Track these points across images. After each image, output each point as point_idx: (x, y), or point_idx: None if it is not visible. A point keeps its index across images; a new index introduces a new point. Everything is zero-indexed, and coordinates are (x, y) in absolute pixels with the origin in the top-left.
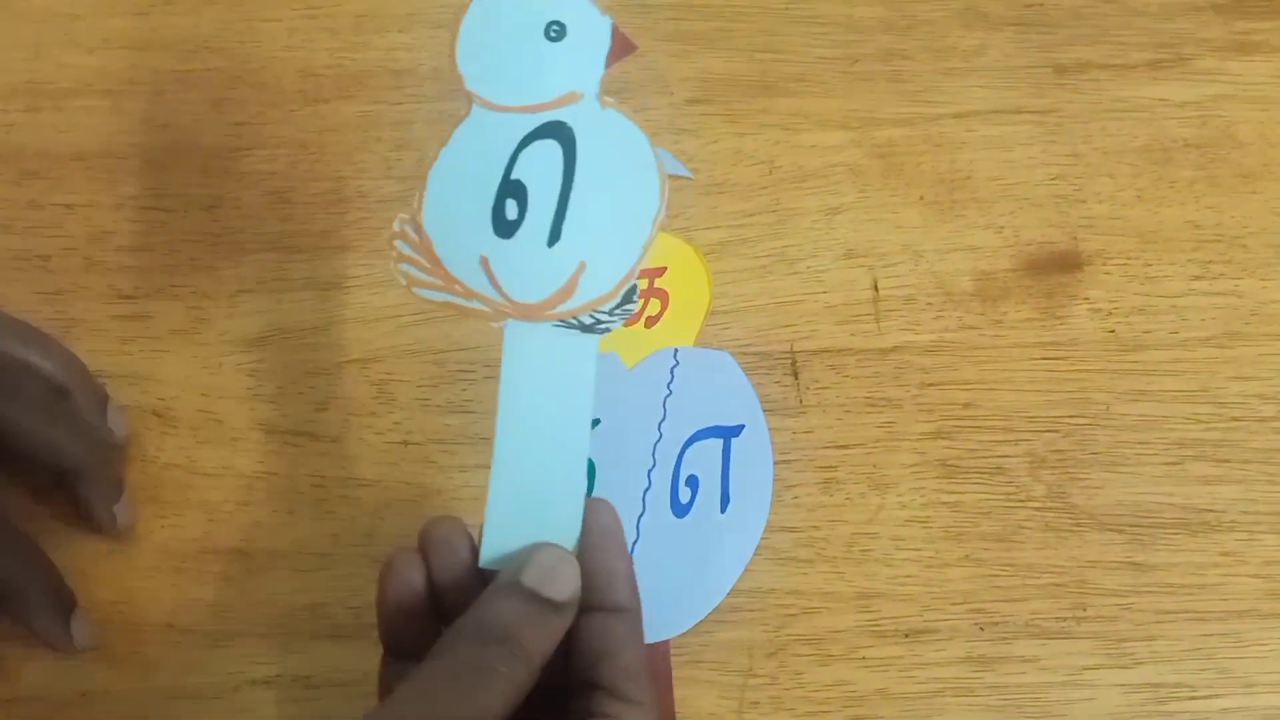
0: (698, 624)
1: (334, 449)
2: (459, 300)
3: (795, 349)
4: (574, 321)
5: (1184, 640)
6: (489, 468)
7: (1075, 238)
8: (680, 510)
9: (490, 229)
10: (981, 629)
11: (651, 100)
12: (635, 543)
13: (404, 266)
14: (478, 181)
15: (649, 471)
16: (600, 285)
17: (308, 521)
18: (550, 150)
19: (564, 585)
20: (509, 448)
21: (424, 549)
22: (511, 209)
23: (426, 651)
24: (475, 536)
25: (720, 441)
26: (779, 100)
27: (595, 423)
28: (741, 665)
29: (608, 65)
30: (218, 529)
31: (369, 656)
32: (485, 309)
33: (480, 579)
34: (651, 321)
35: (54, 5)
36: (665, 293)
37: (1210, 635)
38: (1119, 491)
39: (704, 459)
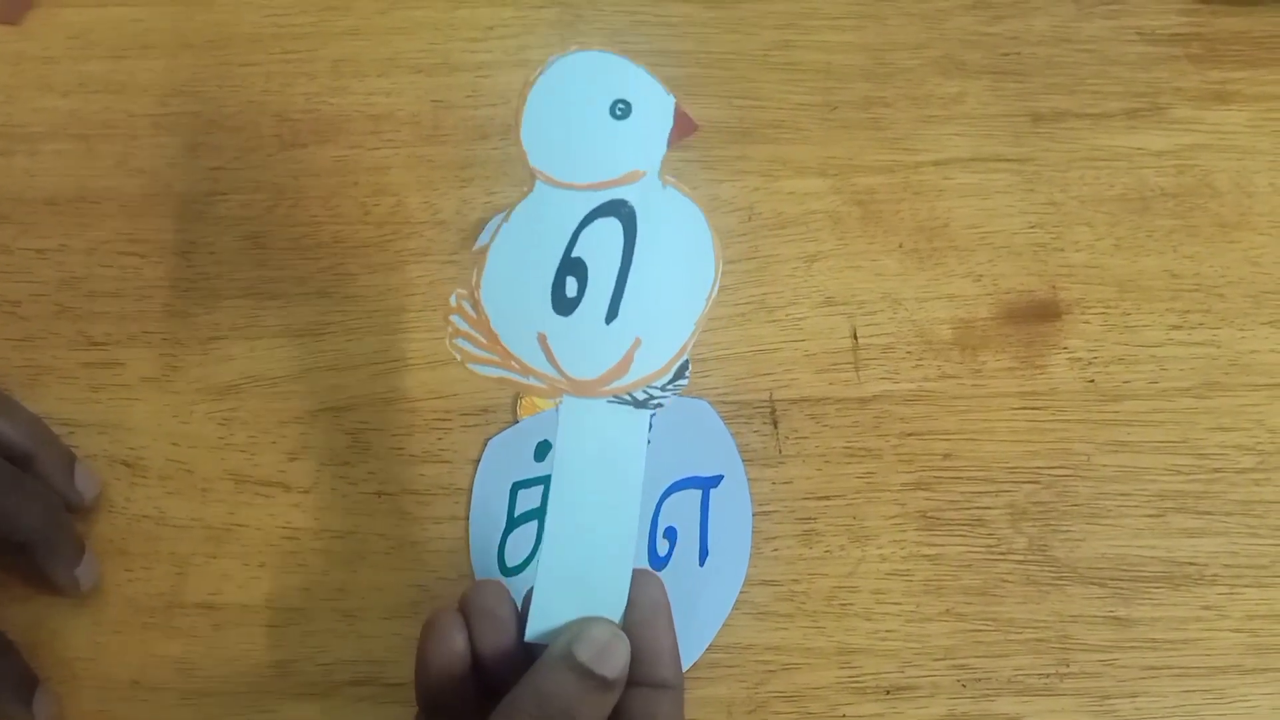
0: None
1: (306, 500)
2: (515, 377)
3: (774, 398)
4: (627, 398)
5: (1168, 697)
6: (465, 519)
7: (1054, 286)
8: (658, 563)
9: (550, 306)
10: (964, 685)
11: None
12: None
13: (459, 342)
14: (539, 259)
15: None
16: (654, 362)
17: (279, 575)
18: (611, 228)
19: (616, 662)
20: (560, 522)
21: (466, 614)
22: (571, 286)
23: (463, 715)
24: (518, 602)
25: (699, 492)
26: (758, 147)
27: None
28: None
29: (670, 145)
30: (186, 582)
31: (339, 716)
32: (542, 385)
33: (522, 646)
34: None
35: (28, 48)
36: None
37: (1193, 691)
38: (1101, 544)
39: (682, 510)
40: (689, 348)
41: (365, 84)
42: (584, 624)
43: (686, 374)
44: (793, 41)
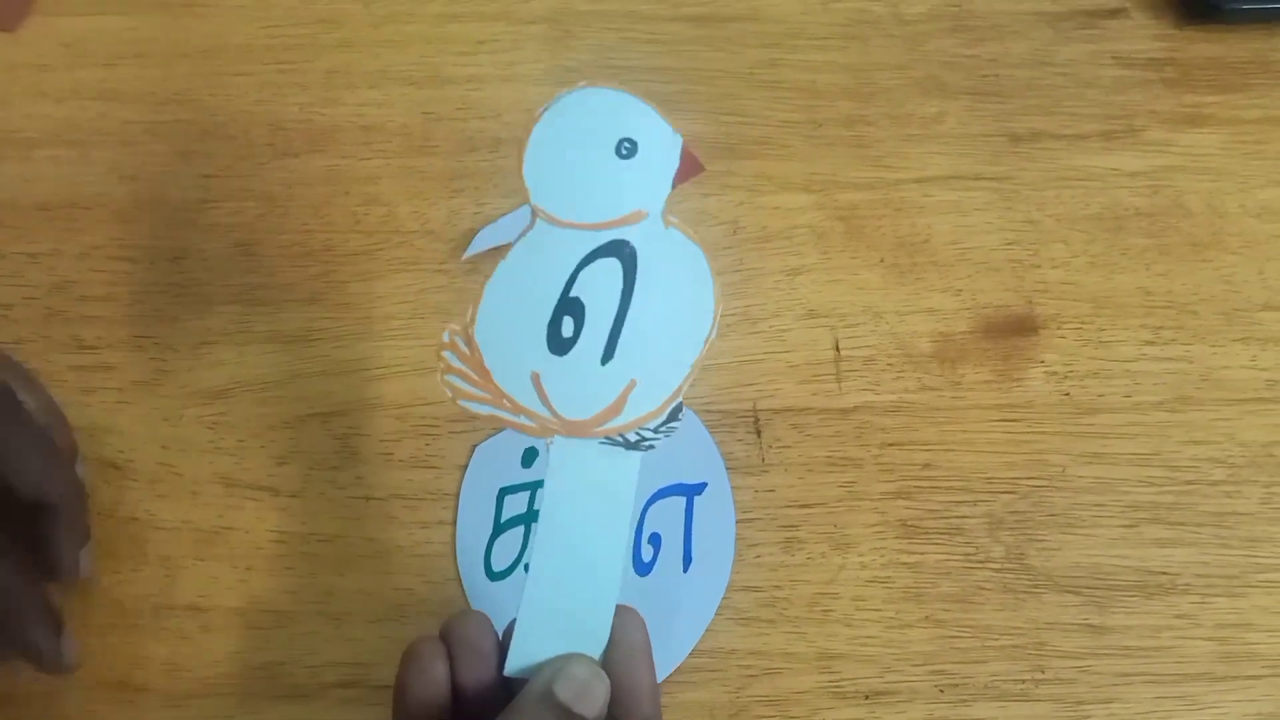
0: (659, 684)
1: (294, 504)
2: (506, 415)
3: (758, 408)
4: (619, 439)
5: (1141, 703)
6: (452, 524)
7: (1031, 302)
8: (643, 569)
9: (545, 346)
10: (941, 691)
11: None
12: None
13: (451, 378)
14: (536, 298)
15: None
16: (648, 403)
17: (266, 578)
18: (611, 269)
19: (595, 701)
20: (546, 560)
21: (448, 643)
22: (568, 326)
23: None
24: (499, 634)
25: (683, 499)
26: (743, 162)
27: None
28: None
29: (675, 185)
30: (174, 585)
31: (326, 718)
32: (532, 425)
33: (502, 679)
34: None
35: (22, 55)
36: None
37: (1165, 698)
38: (1076, 553)
39: (667, 517)
40: (684, 390)
41: (357, 95)
42: (565, 661)
43: (680, 416)
44: (778, 60)
